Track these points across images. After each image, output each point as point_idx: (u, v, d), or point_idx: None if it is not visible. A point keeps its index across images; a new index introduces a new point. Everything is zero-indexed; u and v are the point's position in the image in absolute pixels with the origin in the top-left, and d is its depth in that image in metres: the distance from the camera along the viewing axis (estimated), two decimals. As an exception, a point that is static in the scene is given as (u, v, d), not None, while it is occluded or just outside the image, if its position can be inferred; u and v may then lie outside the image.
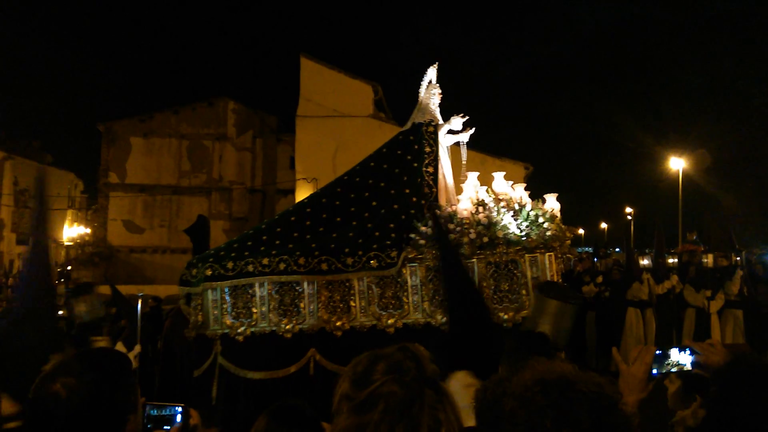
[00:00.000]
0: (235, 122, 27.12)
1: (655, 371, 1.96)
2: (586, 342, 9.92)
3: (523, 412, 1.36)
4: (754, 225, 24.79)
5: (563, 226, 5.29)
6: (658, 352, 2.01)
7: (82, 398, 1.65)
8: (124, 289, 8.74)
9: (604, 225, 42.72)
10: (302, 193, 21.72)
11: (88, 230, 29.62)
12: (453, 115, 5.92)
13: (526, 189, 5.61)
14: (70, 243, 33.46)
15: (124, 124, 26.81)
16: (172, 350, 7.60)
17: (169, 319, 8.04)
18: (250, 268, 5.42)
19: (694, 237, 12.33)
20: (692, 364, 2.02)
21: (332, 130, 20.56)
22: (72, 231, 34.99)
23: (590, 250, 11.20)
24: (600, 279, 10.25)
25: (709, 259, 11.26)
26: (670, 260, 10.21)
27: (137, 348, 6.24)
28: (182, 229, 10.06)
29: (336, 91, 21.06)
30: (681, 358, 2.04)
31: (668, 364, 2.02)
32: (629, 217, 38.85)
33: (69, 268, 29.63)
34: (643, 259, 11.46)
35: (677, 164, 25.93)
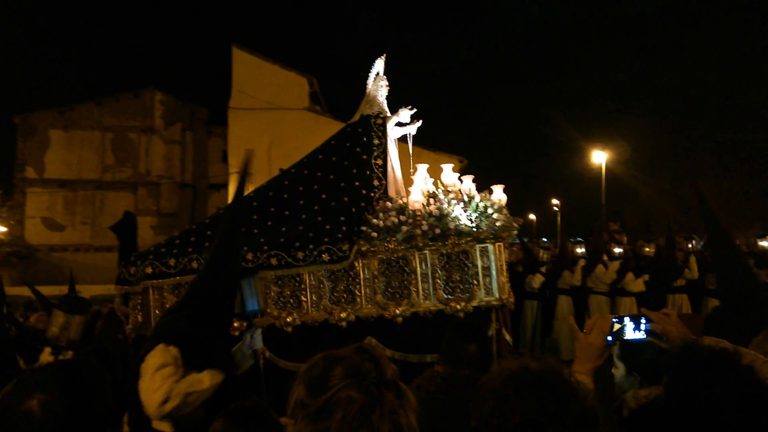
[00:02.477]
0: (163, 114, 26.16)
1: (610, 338, 2.02)
2: (526, 331, 10.20)
3: (492, 401, 1.37)
4: (672, 215, 26.32)
5: (510, 216, 5.39)
6: (614, 319, 2.06)
7: (57, 420, 1.51)
8: (45, 291, 8.24)
9: (532, 216, 44.12)
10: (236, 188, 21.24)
11: (4, 228, 27.79)
12: (401, 107, 5.92)
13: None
14: (-17, 242, 31.29)
15: (42, 115, 25.35)
16: (105, 354, 7.25)
17: (100, 320, 7.66)
18: (194, 264, 5.21)
19: (617, 227, 12.82)
20: (647, 332, 2.07)
21: (267, 123, 20.20)
22: (-16, 230, 32.70)
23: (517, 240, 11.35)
24: (544, 269, 10.51)
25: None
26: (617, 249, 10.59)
27: (68, 355, 5.91)
28: (107, 226, 9.53)
29: (270, 83, 20.69)
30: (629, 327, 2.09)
31: (617, 333, 2.06)
32: (555, 209, 40.31)
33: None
34: (577, 248, 11.81)
35: (600, 157, 27.12)
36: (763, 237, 10.18)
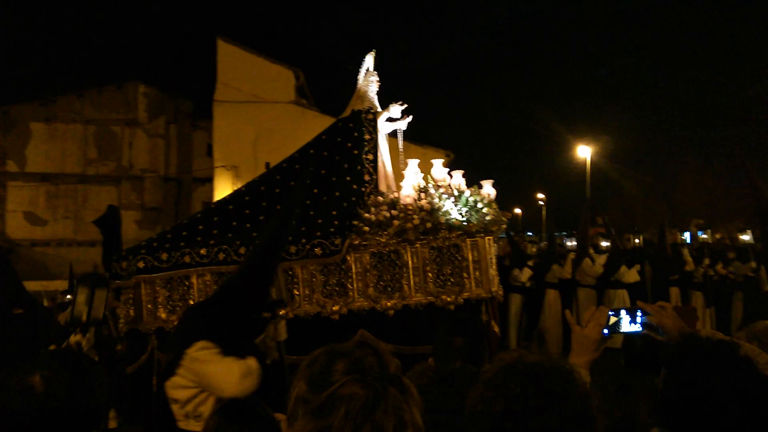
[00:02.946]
0: (147, 107, 25.80)
1: (606, 332, 2.03)
2: (510, 324, 10.31)
3: (482, 388, 1.37)
4: (654, 209, 26.72)
5: (499, 211, 5.47)
6: (611, 312, 2.07)
7: (58, 396, 1.49)
8: (28, 286, 8.21)
9: (518, 210, 44.39)
10: (221, 182, 21.07)
11: (-16, 223, 27.40)
12: (391, 103, 5.96)
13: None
14: (-38, 237, 30.77)
15: (23, 108, 24.89)
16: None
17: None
18: (187, 259, 5.24)
19: (605, 221, 13.03)
20: (643, 325, 2.09)
21: (252, 116, 20.02)
22: (-37, 224, 32.15)
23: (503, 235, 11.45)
24: (532, 262, 10.62)
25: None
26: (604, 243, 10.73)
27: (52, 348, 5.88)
28: (89, 220, 9.42)
29: (255, 76, 20.47)
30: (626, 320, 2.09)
31: (613, 326, 2.06)
32: (541, 203, 40.58)
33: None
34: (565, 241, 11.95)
35: (584, 152, 27.36)
36: (744, 231, 10.38)
